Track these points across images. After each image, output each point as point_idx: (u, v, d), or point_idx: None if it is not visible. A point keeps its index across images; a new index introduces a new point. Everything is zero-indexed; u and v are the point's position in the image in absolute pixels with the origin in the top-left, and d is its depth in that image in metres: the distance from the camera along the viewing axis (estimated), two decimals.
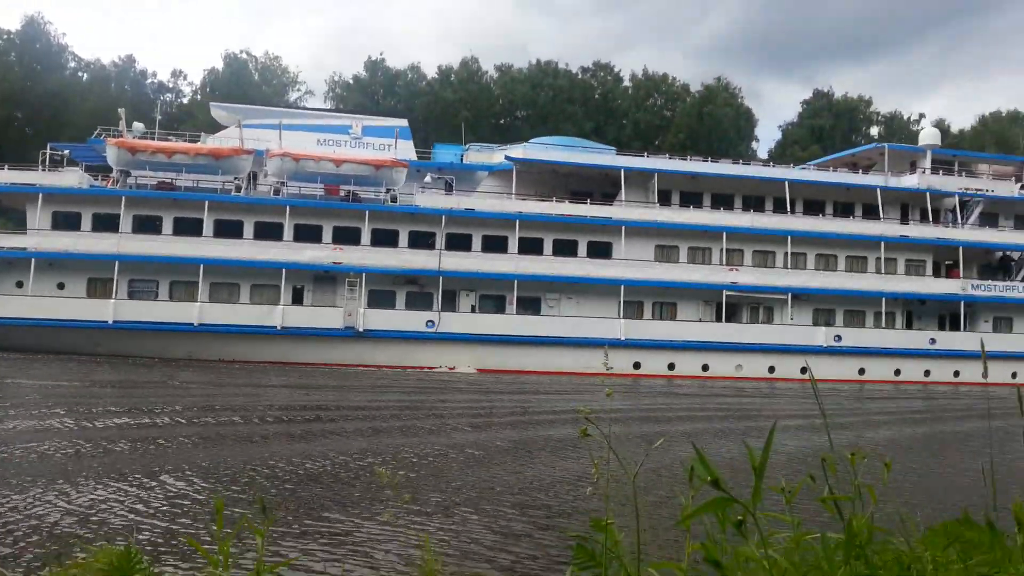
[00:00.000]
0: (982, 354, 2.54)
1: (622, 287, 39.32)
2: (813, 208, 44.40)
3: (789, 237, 41.81)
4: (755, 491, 1.66)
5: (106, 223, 36.27)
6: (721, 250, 41.47)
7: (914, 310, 44.29)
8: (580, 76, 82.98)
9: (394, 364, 36.05)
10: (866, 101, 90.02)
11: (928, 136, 47.93)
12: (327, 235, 38.25)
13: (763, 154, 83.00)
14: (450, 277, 38.15)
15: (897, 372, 41.32)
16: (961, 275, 43.54)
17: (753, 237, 41.97)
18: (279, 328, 35.71)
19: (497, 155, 42.84)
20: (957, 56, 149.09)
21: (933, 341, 42.10)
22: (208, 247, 36.23)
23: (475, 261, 38.70)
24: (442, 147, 44.83)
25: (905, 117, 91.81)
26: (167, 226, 36.96)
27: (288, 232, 37.52)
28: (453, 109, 71.68)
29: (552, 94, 77.87)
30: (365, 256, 37.63)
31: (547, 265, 39.33)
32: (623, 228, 40.07)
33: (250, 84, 74.41)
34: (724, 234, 41.23)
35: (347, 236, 38.20)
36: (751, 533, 1.74)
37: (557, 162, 41.43)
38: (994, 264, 46.36)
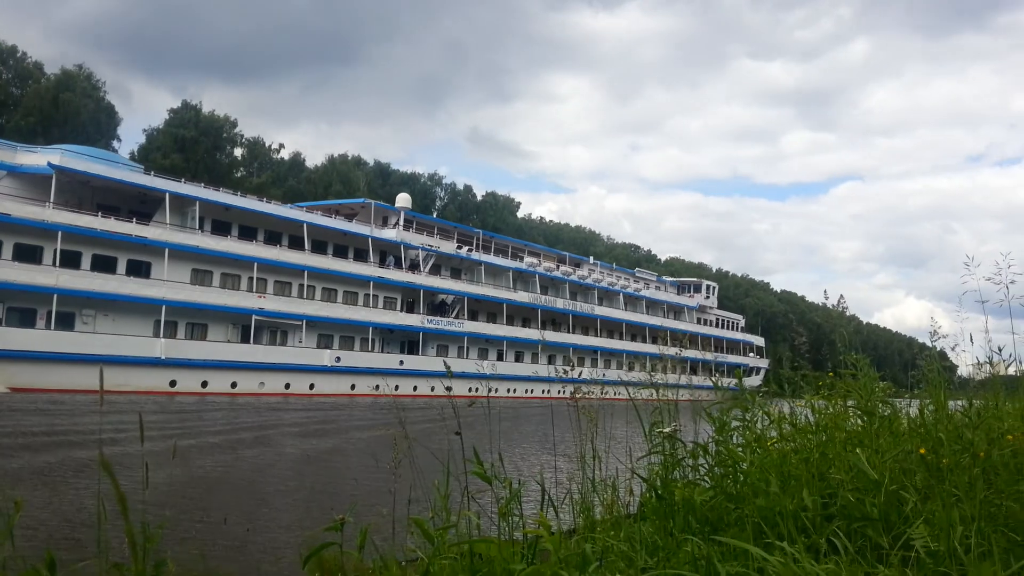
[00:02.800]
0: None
1: (163, 307, 40.60)
2: (319, 247, 51.93)
3: (305, 272, 48.50)
4: None
5: None
6: (251, 278, 45.83)
7: (386, 338, 55.21)
8: None
9: None
10: (232, 122, 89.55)
11: (402, 200, 60.29)
12: None
13: (125, 154, 76.39)
14: None
15: (376, 387, 51.18)
16: (420, 311, 56.21)
17: (277, 269, 47.43)
18: None
19: (22, 155, 39.46)
20: (316, 98, 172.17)
21: (402, 363, 53.47)
22: None
23: (6, 271, 35.54)
24: None
25: (267, 144, 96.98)
26: None
27: None
28: None
29: None
30: None
31: (88, 281, 38.24)
32: (166, 250, 41.36)
33: None
34: (255, 264, 45.72)
35: None
36: None
37: (104, 176, 40.28)
38: (436, 304, 60.54)
